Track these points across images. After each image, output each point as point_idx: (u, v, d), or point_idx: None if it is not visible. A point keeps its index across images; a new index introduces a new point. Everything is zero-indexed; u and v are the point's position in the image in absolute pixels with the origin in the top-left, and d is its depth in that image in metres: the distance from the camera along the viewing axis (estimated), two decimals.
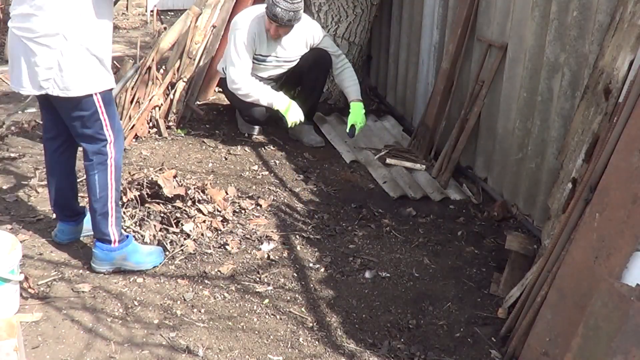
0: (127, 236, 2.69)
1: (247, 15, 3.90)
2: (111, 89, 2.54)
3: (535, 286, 2.35)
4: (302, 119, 3.95)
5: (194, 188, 3.16)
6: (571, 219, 2.25)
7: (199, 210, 3.07)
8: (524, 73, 3.12)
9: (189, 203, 3.09)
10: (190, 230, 2.95)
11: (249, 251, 2.93)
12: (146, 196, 3.05)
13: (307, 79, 4.16)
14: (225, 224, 3.08)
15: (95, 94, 2.45)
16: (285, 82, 4.24)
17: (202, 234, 2.97)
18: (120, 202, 2.68)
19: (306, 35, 4.06)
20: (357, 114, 4.03)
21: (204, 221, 3.02)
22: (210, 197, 3.16)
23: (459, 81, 3.80)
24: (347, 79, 4.15)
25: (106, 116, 2.50)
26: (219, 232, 3.02)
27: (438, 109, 3.88)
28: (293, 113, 3.90)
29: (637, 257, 1.96)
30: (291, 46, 4.05)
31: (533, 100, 3.09)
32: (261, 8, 3.90)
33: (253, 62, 3.99)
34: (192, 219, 3.00)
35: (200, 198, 3.13)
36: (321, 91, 4.40)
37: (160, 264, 2.75)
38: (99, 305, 2.50)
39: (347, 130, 4.03)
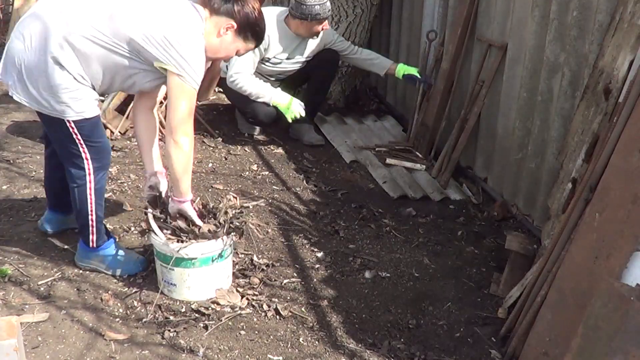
0: (109, 241, 2.68)
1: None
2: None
3: (535, 286, 2.35)
4: (303, 114, 3.85)
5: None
6: (571, 219, 2.25)
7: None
8: (524, 73, 3.12)
9: None
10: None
11: (249, 251, 2.93)
12: None
13: (315, 77, 4.16)
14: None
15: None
16: (290, 80, 4.22)
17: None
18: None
19: (326, 34, 4.06)
20: (406, 67, 4.14)
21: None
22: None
23: (459, 81, 3.80)
24: (370, 53, 4.26)
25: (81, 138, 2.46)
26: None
27: (438, 109, 3.89)
28: (294, 108, 3.82)
29: (637, 257, 1.96)
30: (311, 45, 4.04)
31: (533, 100, 3.09)
32: (278, 10, 3.91)
33: (267, 65, 3.98)
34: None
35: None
36: (327, 92, 4.41)
37: (136, 273, 2.68)
38: (99, 305, 2.50)
39: (419, 77, 4.08)
